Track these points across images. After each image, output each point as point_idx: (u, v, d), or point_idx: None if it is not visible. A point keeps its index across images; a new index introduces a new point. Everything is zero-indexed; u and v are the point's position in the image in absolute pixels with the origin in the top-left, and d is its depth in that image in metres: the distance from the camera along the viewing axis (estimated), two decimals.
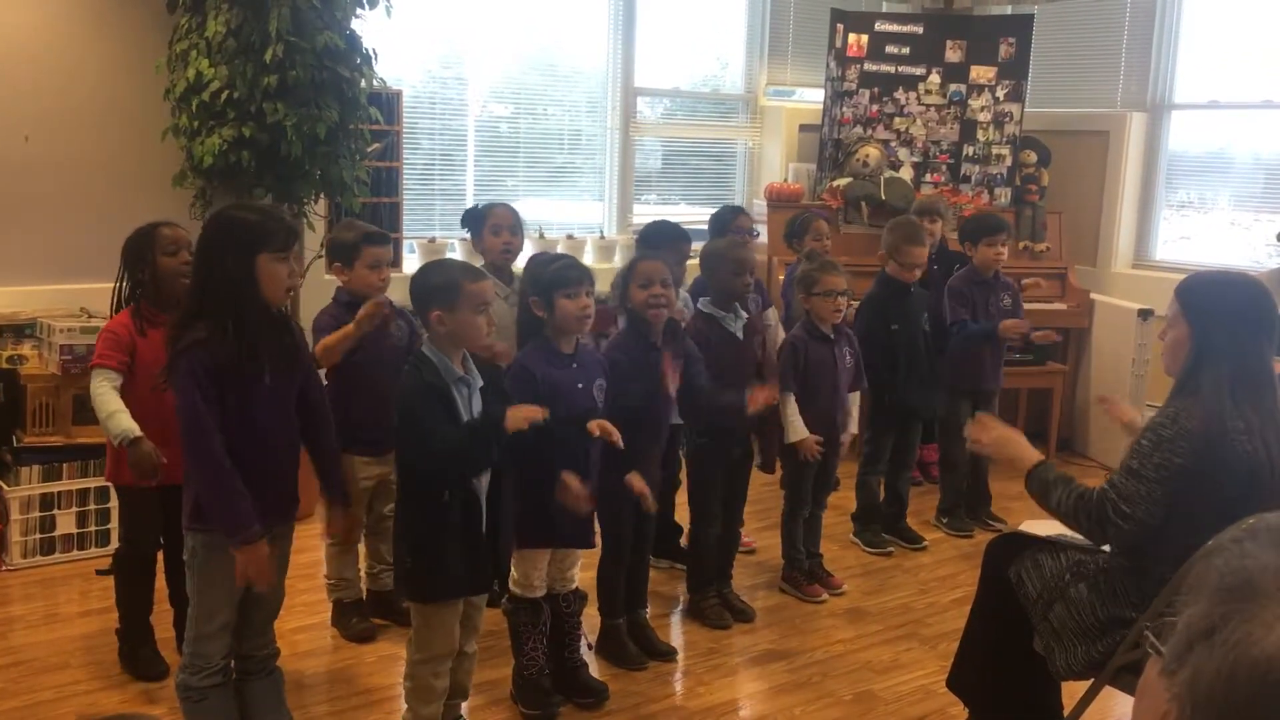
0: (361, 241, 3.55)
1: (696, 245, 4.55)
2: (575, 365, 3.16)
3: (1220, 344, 2.46)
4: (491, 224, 3.97)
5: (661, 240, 4.22)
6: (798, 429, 3.98)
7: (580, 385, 3.15)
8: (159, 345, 2.87)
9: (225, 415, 2.57)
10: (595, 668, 3.47)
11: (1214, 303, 2.52)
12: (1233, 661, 0.78)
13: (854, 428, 4.24)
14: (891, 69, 6.54)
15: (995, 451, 2.78)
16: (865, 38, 6.50)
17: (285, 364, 2.67)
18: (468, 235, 4.17)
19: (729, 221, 4.57)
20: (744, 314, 3.85)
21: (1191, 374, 2.49)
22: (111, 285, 3.31)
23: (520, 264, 4.08)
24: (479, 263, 3.93)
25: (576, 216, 6.46)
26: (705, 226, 4.87)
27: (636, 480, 3.22)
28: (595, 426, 2.93)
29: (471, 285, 2.71)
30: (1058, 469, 2.66)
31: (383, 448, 3.46)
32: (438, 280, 2.74)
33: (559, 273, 3.12)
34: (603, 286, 3.75)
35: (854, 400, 4.23)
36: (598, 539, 3.41)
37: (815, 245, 5.12)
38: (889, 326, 4.54)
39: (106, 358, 3.16)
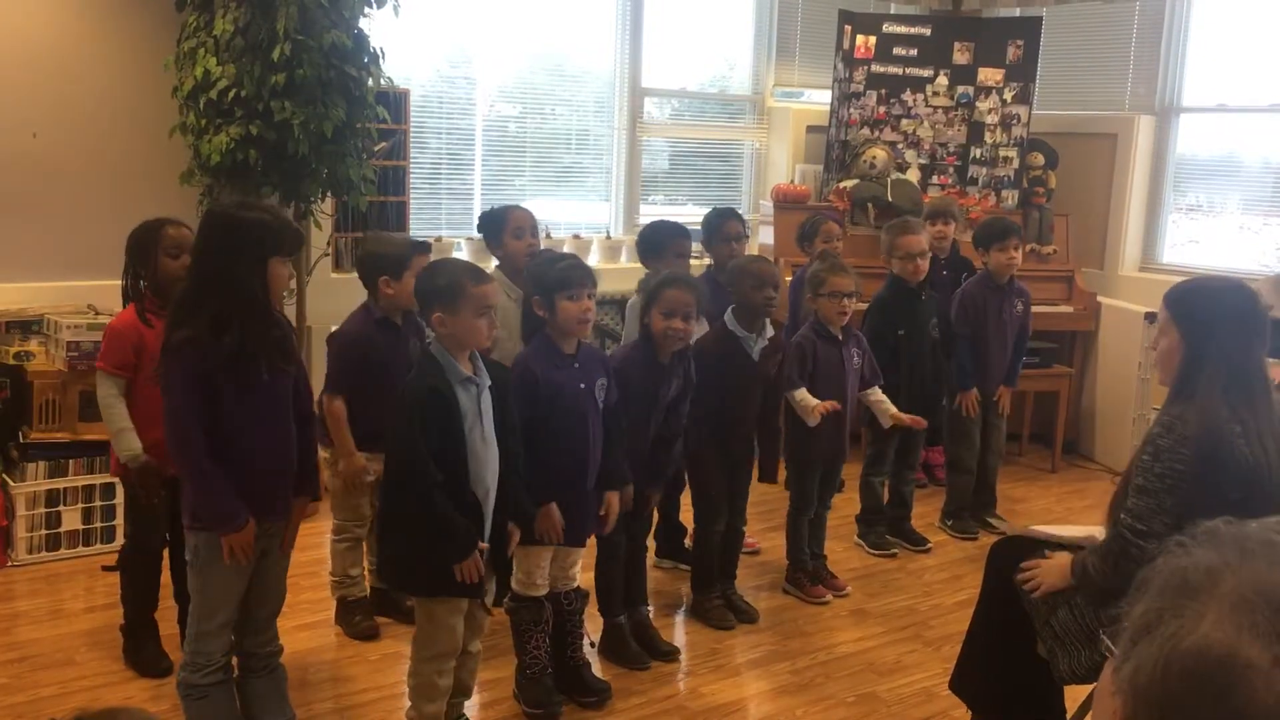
0: (411, 252, 3.56)
1: (696, 245, 4.54)
2: (577, 365, 3.15)
3: (1212, 349, 2.46)
4: (513, 227, 3.95)
5: (663, 239, 4.21)
6: (808, 408, 3.93)
7: (582, 385, 3.15)
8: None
9: (221, 413, 2.57)
10: (598, 667, 3.47)
11: (1203, 308, 2.52)
12: (1167, 654, 0.83)
13: (893, 410, 4.22)
14: (899, 70, 6.53)
15: (1049, 588, 2.71)
16: (873, 39, 6.49)
17: (280, 360, 2.68)
18: (476, 235, 4.16)
19: (717, 226, 4.53)
20: (766, 337, 3.85)
21: (1186, 380, 2.49)
22: (116, 282, 3.33)
23: None
24: (492, 264, 3.94)
25: (583, 216, 6.47)
26: None
27: (611, 508, 3.28)
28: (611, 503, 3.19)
29: (475, 288, 2.71)
30: (1080, 553, 2.66)
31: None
32: (441, 281, 2.74)
33: (562, 274, 3.12)
34: (608, 286, 3.75)
35: (876, 393, 4.23)
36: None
37: (826, 247, 5.12)
38: (896, 330, 4.53)
39: (110, 359, 3.19)
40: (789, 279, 5.35)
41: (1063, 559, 2.69)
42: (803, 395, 3.95)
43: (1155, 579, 0.89)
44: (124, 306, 3.31)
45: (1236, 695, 0.80)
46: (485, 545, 2.77)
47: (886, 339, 4.48)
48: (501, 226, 3.96)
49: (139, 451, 3.17)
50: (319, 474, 2.99)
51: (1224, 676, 0.81)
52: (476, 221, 4.17)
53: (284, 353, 2.69)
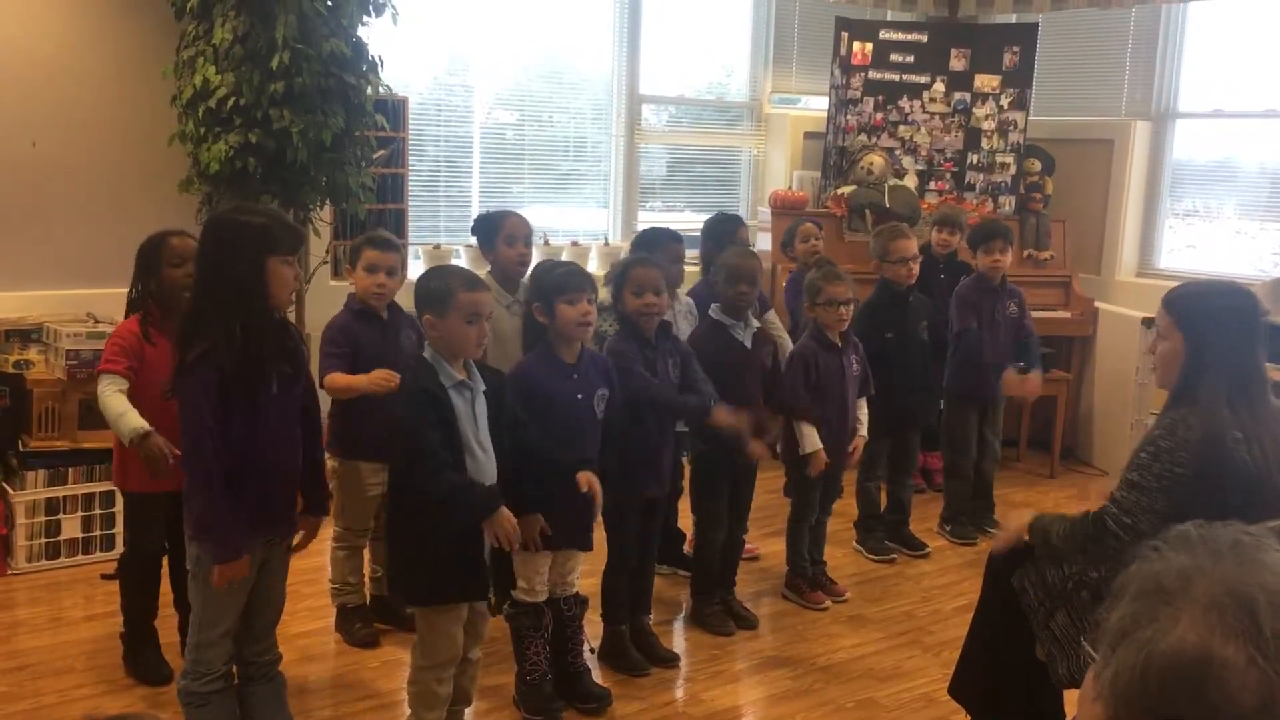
0: (363, 244, 3.59)
1: (691, 251, 4.55)
2: (575, 375, 3.16)
3: (1215, 352, 2.47)
4: (506, 234, 3.93)
5: (655, 245, 4.21)
6: (812, 440, 3.98)
7: (580, 396, 3.15)
8: (166, 352, 2.88)
9: (232, 424, 2.57)
10: (598, 673, 3.48)
11: (1206, 312, 2.53)
12: (1145, 657, 0.85)
13: (864, 431, 4.24)
14: (896, 77, 6.55)
15: (1007, 545, 2.84)
16: (870, 46, 6.51)
17: (290, 369, 2.68)
18: (474, 241, 4.16)
19: (722, 233, 4.51)
20: (755, 323, 3.88)
21: (1188, 384, 2.50)
22: (116, 290, 3.33)
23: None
24: (484, 270, 3.94)
25: (581, 223, 6.48)
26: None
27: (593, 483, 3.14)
28: (583, 480, 2.97)
29: (466, 295, 2.71)
30: (1049, 514, 2.72)
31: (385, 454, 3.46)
32: (434, 285, 2.75)
33: (561, 279, 3.13)
34: (607, 294, 3.77)
35: (861, 406, 4.24)
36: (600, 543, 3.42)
37: (804, 248, 5.14)
38: (884, 334, 4.54)
39: (113, 362, 3.18)
40: (783, 284, 5.37)
41: (1021, 520, 2.74)
42: (808, 428, 3.97)
43: (1130, 584, 0.91)
44: (125, 317, 3.30)
45: (1213, 694, 0.82)
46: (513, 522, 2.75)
47: (874, 342, 4.48)
48: (495, 231, 3.94)
49: (140, 427, 3.07)
50: (328, 489, 2.98)
51: (1201, 677, 0.82)
52: (471, 224, 4.17)
53: (293, 362, 2.70)
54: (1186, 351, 2.52)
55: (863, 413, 4.23)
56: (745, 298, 3.84)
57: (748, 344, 3.85)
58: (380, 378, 3.31)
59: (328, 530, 3.82)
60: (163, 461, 3.05)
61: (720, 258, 4.01)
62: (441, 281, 2.76)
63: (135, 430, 3.07)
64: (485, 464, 2.79)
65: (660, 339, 3.50)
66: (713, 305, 3.89)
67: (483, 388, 2.80)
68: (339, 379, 3.40)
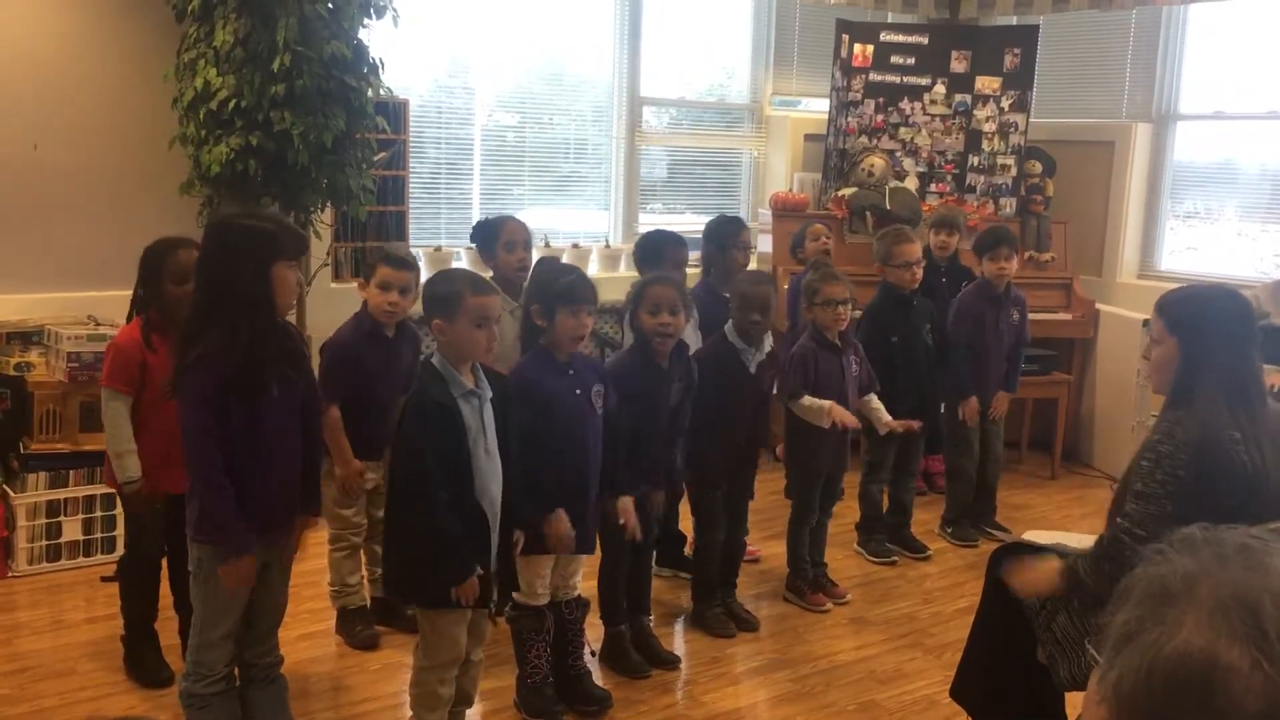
0: (379, 260, 3.59)
1: (694, 254, 4.54)
2: (572, 372, 3.16)
3: (1209, 355, 2.47)
4: (505, 240, 3.94)
5: (659, 249, 4.20)
6: (820, 409, 3.94)
7: (578, 392, 3.15)
8: (167, 359, 2.88)
9: (233, 427, 2.57)
10: (599, 676, 3.48)
11: (1199, 315, 2.54)
12: (1149, 661, 0.84)
13: (887, 418, 4.22)
14: (897, 79, 6.55)
15: (1030, 593, 2.73)
16: (870, 48, 6.51)
17: (290, 372, 2.68)
18: (474, 246, 4.16)
19: (724, 234, 4.50)
20: (764, 352, 3.86)
21: (1183, 387, 2.50)
22: (117, 293, 3.33)
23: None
24: (487, 275, 3.94)
25: (582, 225, 6.48)
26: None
27: (627, 513, 3.29)
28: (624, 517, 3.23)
29: (474, 299, 2.71)
30: (1066, 551, 2.66)
31: (383, 453, 3.46)
32: (442, 290, 2.75)
33: (567, 287, 3.12)
34: (607, 295, 3.76)
35: (873, 400, 4.24)
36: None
37: (814, 246, 5.14)
38: (889, 338, 4.54)
39: (116, 378, 3.18)
40: (785, 286, 5.37)
41: (1050, 566, 2.68)
42: (809, 400, 3.96)
43: (1135, 587, 0.90)
44: (129, 319, 3.29)
45: (1218, 698, 0.82)
46: (482, 571, 2.77)
47: (878, 346, 4.47)
48: (494, 238, 3.94)
49: (137, 475, 3.16)
50: (319, 488, 2.98)
51: (1205, 681, 0.82)
52: (470, 230, 4.17)
53: (294, 364, 2.70)
54: (1180, 355, 2.52)
55: (876, 403, 4.23)
56: (758, 326, 3.81)
57: (752, 369, 3.84)
58: (355, 483, 3.56)
59: (325, 532, 3.83)
60: (142, 509, 3.18)
61: (734, 282, 3.99)
62: (449, 286, 2.75)
63: (132, 479, 3.17)
64: (492, 473, 2.79)
65: (675, 361, 3.50)
66: (728, 324, 3.86)
67: (490, 394, 2.80)
68: (337, 424, 3.49)
